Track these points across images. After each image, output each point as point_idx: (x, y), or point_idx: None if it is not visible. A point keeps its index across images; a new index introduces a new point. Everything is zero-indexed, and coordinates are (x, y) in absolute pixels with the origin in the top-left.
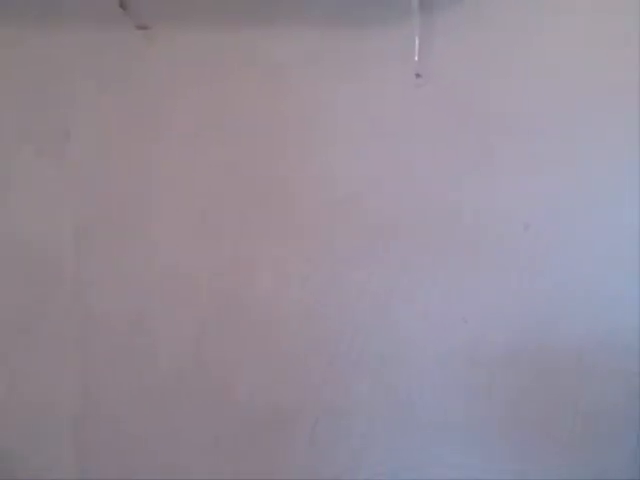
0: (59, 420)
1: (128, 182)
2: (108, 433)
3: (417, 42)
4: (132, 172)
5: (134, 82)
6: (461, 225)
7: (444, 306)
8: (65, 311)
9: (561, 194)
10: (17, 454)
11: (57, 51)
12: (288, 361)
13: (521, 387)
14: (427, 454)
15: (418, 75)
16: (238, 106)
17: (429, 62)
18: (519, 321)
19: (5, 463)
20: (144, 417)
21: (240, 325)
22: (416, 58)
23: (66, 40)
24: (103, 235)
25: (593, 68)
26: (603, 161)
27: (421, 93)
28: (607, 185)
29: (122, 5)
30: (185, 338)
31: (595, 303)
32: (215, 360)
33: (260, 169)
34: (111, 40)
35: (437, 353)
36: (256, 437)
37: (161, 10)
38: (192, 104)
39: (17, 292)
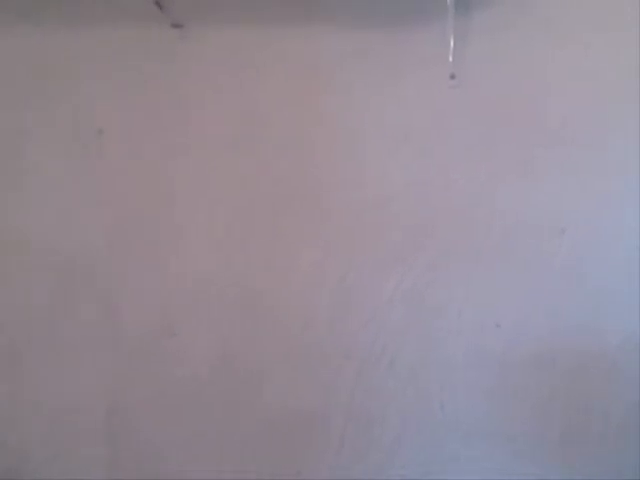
0: (89, 423)
1: (160, 184)
2: (137, 435)
3: (452, 43)
4: (164, 173)
5: (168, 80)
6: (495, 230)
7: (477, 311)
8: (95, 316)
9: (597, 199)
10: (47, 455)
11: (92, 48)
12: (319, 366)
13: (552, 391)
14: (457, 456)
15: (452, 76)
16: (269, 107)
17: (464, 63)
18: (552, 325)
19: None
20: (172, 420)
21: (270, 330)
22: (450, 59)
23: (100, 38)
24: (134, 240)
25: (636, 73)
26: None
27: (455, 94)
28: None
29: (158, 3)
30: (215, 342)
31: (628, 308)
32: (244, 364)
33: (291, 172)
34: (146, 38)
35: (469, 357)
36: (285, 439)
37: (196, 8)
38: (224, 103)
39: (49, 295)
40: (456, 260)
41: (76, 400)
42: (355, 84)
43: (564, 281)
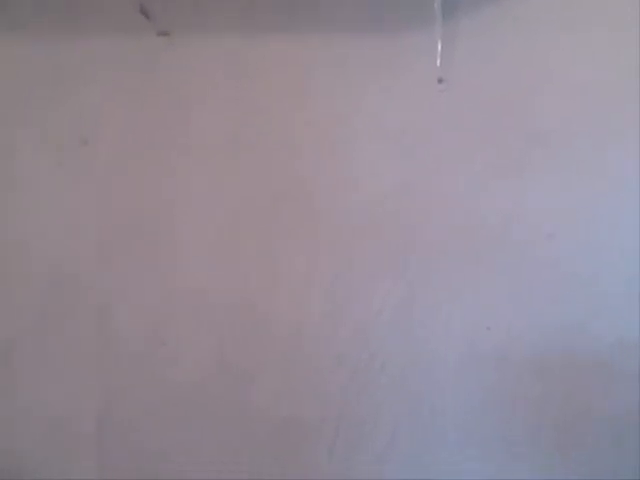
0: (79, 432)
1: (148, 193)
2: (128, 444)
3: (439, 46)
4: (152, 182)
5: (155, 89)
6: (484, 234)
7: (467, 315)
8: (85, 323)
9: (586, 204)
10: (38, 466)
11: (77, 58)
12: (310, 372)
13: (545, 395)
14: (450, 462)
15: (440, 80)
16: (260, 113)
17: (452, 67)
18: (543, 329)
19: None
20: (164, 428)
21: (261, 337)
22: (438, 63)
23: (86, 46)
24: (123, 247)
25: (626, 77)
26: (631, 173)
27: (444, 99)
28: (634, 196)
29: (143, 11)
30: (206, 350)
31: (619, 311)
32: (236, 372)
33: (282, 179)
34: (131, 46)
35: (460, 361)
36: (276, 447)
37: (183, 16)
38: (213, 111)
39: (37, 304)
40: (446, 264)
41: (67, 411)
42: (345, 89)
43: (553, 284)
